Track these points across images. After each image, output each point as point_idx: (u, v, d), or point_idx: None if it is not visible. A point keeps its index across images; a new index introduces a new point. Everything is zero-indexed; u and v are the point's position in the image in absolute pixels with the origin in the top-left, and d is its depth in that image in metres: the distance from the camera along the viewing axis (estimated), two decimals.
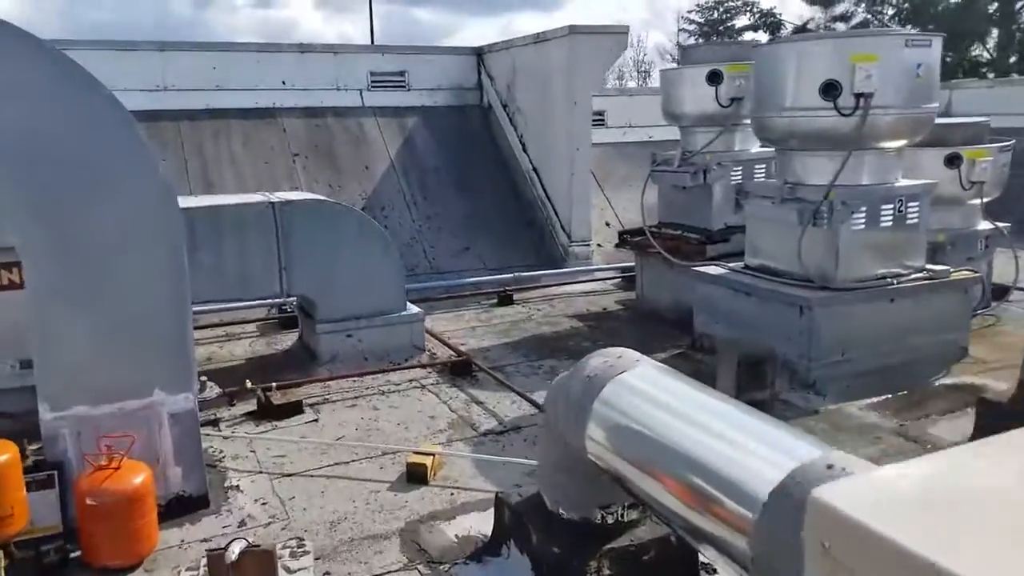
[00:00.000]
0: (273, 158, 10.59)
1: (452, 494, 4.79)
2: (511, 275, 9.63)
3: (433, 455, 5.00)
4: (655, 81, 32.19)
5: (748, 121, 8.17)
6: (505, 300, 9.35)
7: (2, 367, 5.23)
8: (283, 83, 11.10)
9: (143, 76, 10.12)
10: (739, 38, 33.31)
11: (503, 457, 5.11)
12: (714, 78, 7.89)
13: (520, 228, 10.96)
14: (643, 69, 42.89)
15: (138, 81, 9.99)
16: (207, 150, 10.30)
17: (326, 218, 6.81)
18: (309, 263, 6.76)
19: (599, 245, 11.02)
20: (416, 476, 4.91)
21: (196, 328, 8.02)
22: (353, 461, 5.28)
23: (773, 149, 8.25)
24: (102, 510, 3.95)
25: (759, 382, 5.47)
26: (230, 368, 7.20)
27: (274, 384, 6.20)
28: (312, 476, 5.09)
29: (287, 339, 8.04)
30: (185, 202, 6.58)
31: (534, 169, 11.11)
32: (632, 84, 40.89)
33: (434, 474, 4.96)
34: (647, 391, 3.23)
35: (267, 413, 6.01)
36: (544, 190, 10.93)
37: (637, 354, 3.57)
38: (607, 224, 11.55)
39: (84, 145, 4.09)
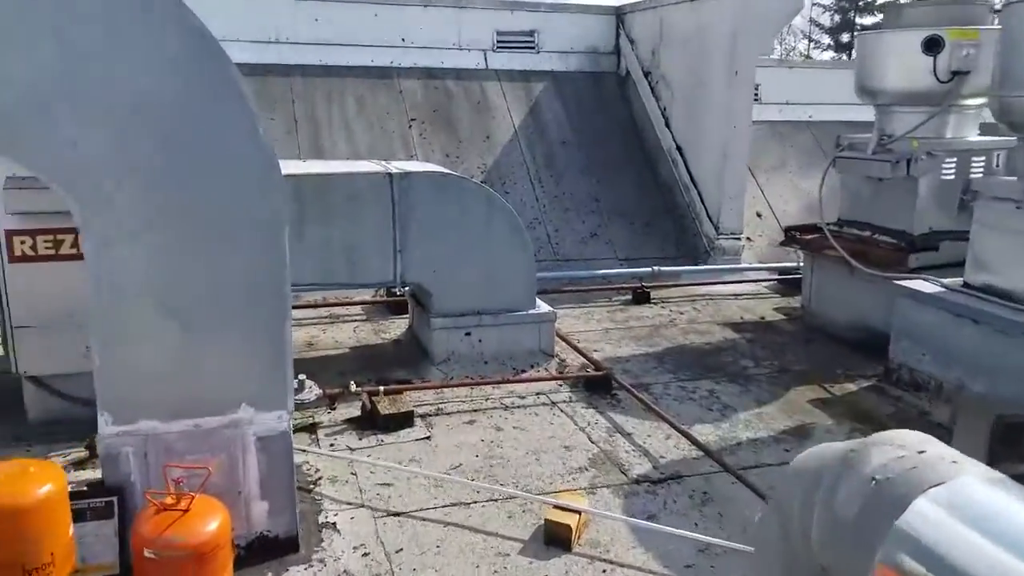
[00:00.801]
0: (388, 123, 9.69)
1: (604, 571, 3.69)
2: (648, 269, 8.39)
3: (579, 512, 3.91)
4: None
5: (969, 102, 6.66)
6: (641, 298, 8.14)
7: (71, 347, 4.47)
8: (402, 40, 10.16)
9: (256, 27, 9.37)
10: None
11: (671, 528, 3.96)
12: (932, 45, 6.34)
13: (657, 215, 9.67)
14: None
15: (250, 32, 9.25)
16: (319, 111, 9.50)
17: (450, 194, 5.78)
18: (428, 246, 5.76)
19: (749, 239, 9.61)
20: (557, 539, 3.83)
21: (297, 307, 7.28)
22: (474, 503, 4.26)
23: (998, 138, 6.72)
24: (164, 566, 3.06)
25: (1020, 452, 4.09)
26: (332, 358, 6.33)
27: (381, 389, 5.25)
28: (425, 519, 4.10)
29: (396, 326, 7.13)
30: (291, 168, 5.71)
31: (678, 148, 9.77)
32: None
33: (579, 537, 3.88)
34: (996, 527, 2.00)
35: (373, 422, 5.08)
36: (689, 172, 9.58)
37: (945, 448, 2.34)
38: (758, 215, 10.10)
39: (175, 97, 3.16)
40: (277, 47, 9.61)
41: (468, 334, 6.01)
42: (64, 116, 3.03)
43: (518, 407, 5.52)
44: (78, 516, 3.32)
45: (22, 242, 4.29)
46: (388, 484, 4.42)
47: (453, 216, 5.75)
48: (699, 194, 9.44)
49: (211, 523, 3.17)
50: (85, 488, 3.43)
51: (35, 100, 2.99)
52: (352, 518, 4.10)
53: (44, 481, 2.98)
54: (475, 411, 5.43)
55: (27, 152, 3.09)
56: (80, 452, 4.54)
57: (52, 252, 4.35)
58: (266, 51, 9.49)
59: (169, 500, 3.16)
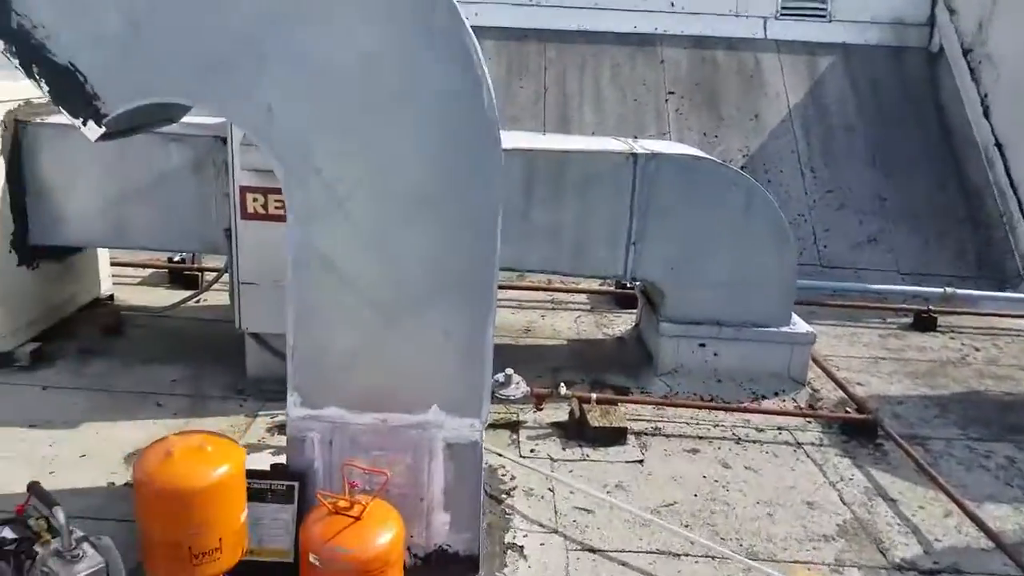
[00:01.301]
0: (643, 95, 9.03)
1: None
2: (939, 289, 6.98)
3: None
4: None
5: None
6: (925, 324, 6.78)
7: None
8: (671, 5, 9.39)
9: None
10: None
11: None
12: None
13: (956, 223, 8.07)
14: None
15: None
16: (570, 80, 9.10)
17: (702, 181, 5.04)
18: (667, 240, 5.09)
19: None
20: None
21: (520, 288, 6.99)
22: (686, 556, 3.61)
23: None
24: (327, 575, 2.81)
25: None
26: (547, 350, 5.93)
27: (594, 396, 4.73)
28: (624, 563, 3.55)
29: (621, 322, 6.57)
30: (528, 141, 5.31)
31: (997, 144, 8.04)
32: None
33: None
34: None
35: (580, 432, 4.59)
36: (1008, 175, 7.85)
37: None
38: None
39: (399, 57, 2.83)
40: (535, 10, 9.32)
41: (702, 345, 5.27)
42: (277, 72, 2.81)
43: (753, 442, 4.72)
44: (258, 496, 3.20)
45: (255, 199, 4.33)
46: (588, 511, 3.91)
47: (702, 207, 5.02)
48: (1019, 202, 7.68)
49: (383, 535, 2.86)
50: (269, 468, 3.31)
51: (251, 51, 2.79)
52: (542, 544, 3.65)
53: (220, 462, 2.84)
54: (699, 438, 4.72)
55: (236, 106, 2.92)
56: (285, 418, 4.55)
57: (281, 212, 4.34)
58: (524, 14, 9.23)
59: (343, 503, 2.90)
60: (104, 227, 5.08)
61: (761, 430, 4.85)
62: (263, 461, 4.14)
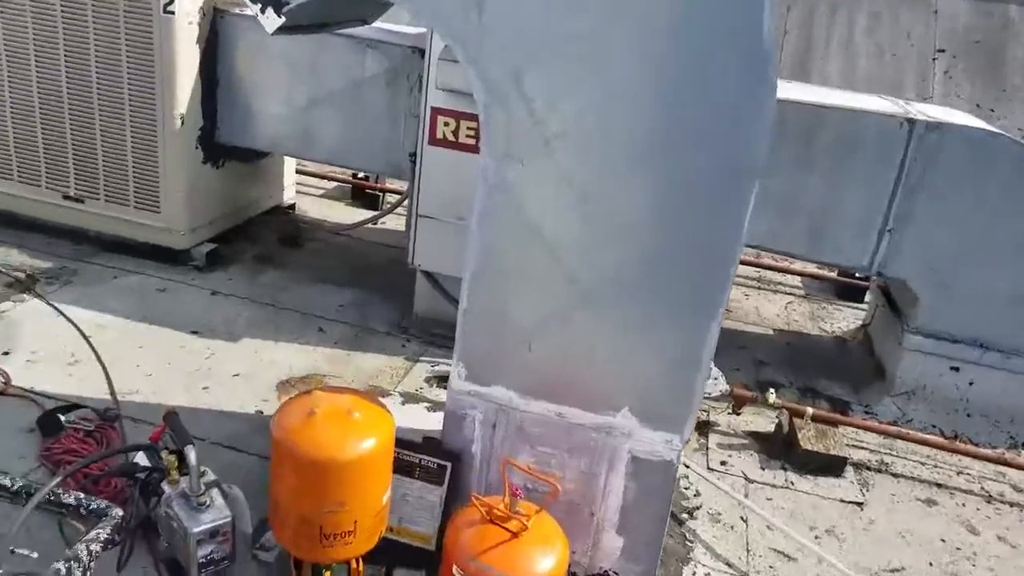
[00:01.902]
0: (905, 51, 7.65)
1: None
2: None
3: None
4: None
5: None
6: None
7: None
8: None
9: None
10: None
11: None
12: None
13: None
14: None
15: None
16: (817, 24, 7.86)
17: (1000, 166, 3.95)
18: (934, 231, 4.08)
19: None
20: None
21: None
22: None
23: None
24: None
25: None
26: (750, 338, 5.12)
27: (810, 411, 3.92)
28: None
29: (843, 317, 5.60)
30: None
31: None
32: None
33: None
34: None
35: (786, 451, 3.83)
36: None
37: None
38: None
39: None
40: None
41: (955, 369, 4.26)
42: None
43: (1010, 504, 3.74)
44: (406, 469, 2.78)
45: (445, 124, 3.83)
46: (789, 558, 3.19)
47: (993, 197, 3.95)
48: None
49: (544, 560, 2.32)
50: (423, 439, 2.86)
51: None
52: None
53: (367, 434, 2.39)
54: (938, 486, 3.81)
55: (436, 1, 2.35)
56: (449, 368, 4.13)
57: (473, 142, 3.83)
58: None
59: (499, 510, 2.38)
60: (291, 134, 4.82)
61: (1021, 490, 3.85)
62: (416, 416, 3.77)
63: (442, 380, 4.10)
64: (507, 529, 2.35)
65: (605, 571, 2.82)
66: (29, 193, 4.87)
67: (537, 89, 2.28)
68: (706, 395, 4.03)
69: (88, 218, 4.84)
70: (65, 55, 4.48)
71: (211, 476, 2.70)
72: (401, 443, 2.76)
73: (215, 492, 2.66)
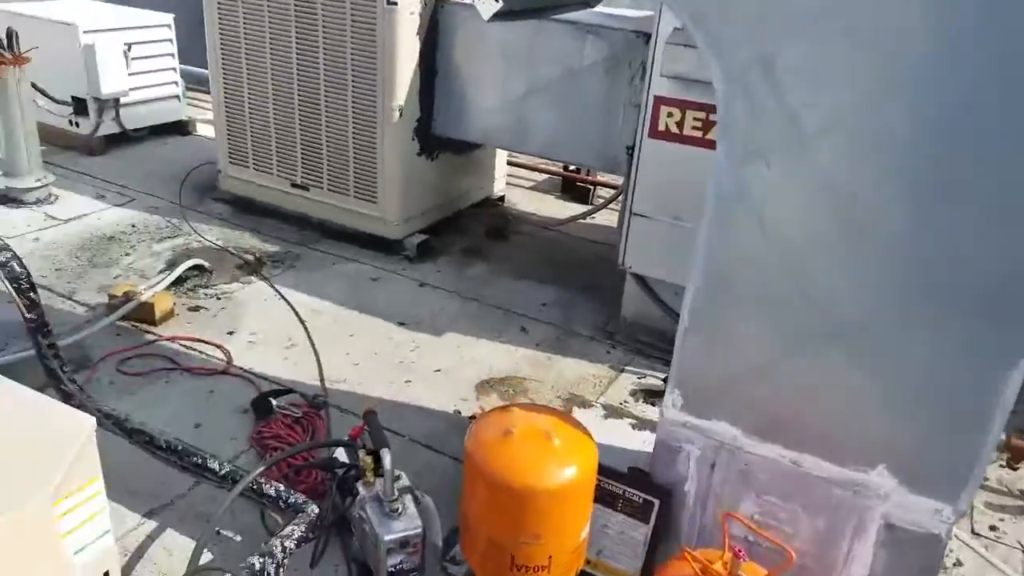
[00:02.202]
0: None
1: None
2: None
3: None
4: None
5: None
6: None
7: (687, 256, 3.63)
8: None
9: None
10: None
11: None
12: None
13: None
14: None
15: None
16: None
17: None
18: None
19: None
20: None
21: None
22: None
23: None
24: None
25: None
26: None
27: None
28: None
29: None
30: None
31: None
32: None
33: None
34: None
35: None
36: None
37: None
38: None
39: None
40: None
41: None
42: None
43: None
44: (608, 500, 2.53)
45: (669, 114, 3.49)
46: None
47: None
48: None
49: None
50: (625, 471, 2.60)
51: None
52: None
53: (567, 461, 2.17)
54: None
55: None
56: (657, 382, 3.83)
57: (699, 135, 3.47)
58: None
59: (717, 571, 2.06)
60: (505, 126, 4.72)
61: None
62: (619, 433, 3.51)
63: (649, 394, 3.80)
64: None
65: None
66: (263, 180, 5.19)
67: (793, 77, 1.91)
68: None
69: (312, 205, 5.06)
70: (296, 49, 4.69)
71: (405, 481, 2.62)
72: (604, 471, 2.52)
73: (408, 499, 2.57)
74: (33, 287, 2.56)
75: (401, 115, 4.64)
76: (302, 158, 4.98)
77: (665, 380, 3.71)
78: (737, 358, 2.23)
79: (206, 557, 2.58)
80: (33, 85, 5.29)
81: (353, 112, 4.68)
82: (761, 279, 2.11)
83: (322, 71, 4.67)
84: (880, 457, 2.11)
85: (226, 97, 5.11)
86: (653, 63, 3.57)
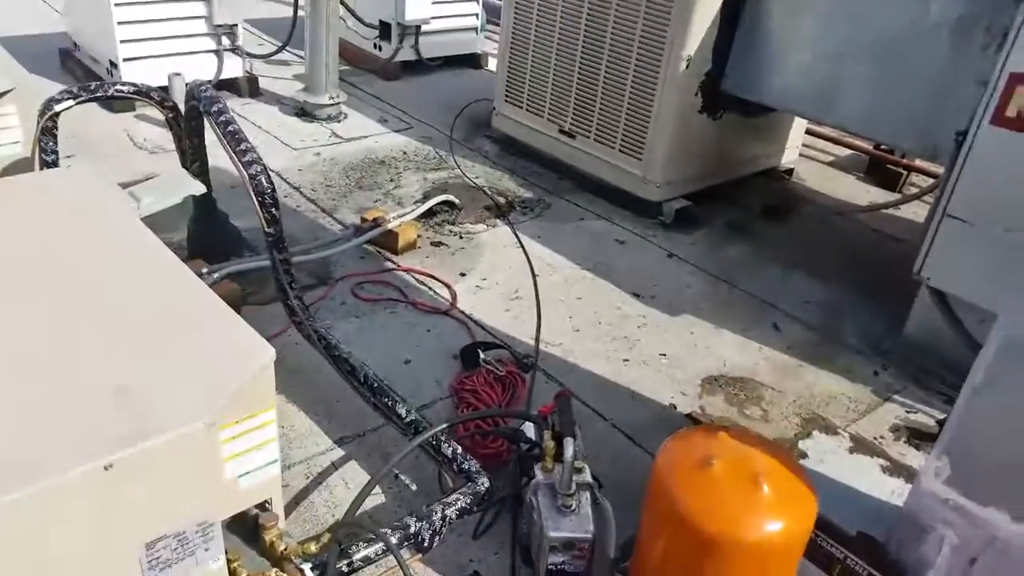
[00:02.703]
0: None
1: None
2: None
3: None
4: None
5: None
6: None
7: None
8: None
9: None
10: None
11: None
12: None
13: None
14: None
15: None
16: None
17: None
18: None
19: None
20: None
21: None
22: None
23: None
24: None
25: None
26: None
27: None
28: None
29: None
30: None
31: None
32: None
33: None
34: None
35: None
36: None
37: None
38: None
39: None
40: None
41: None
42: None
43: None
44: (822, 562, 2.09)
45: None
46: None
47: None
48: None
49: None
50: (856, 533, 2.10)
51: None
52: None
53: (776, 513, 1.77)
54: None
55: None
56: (930, 422, 3.16)
57: None
58: None
59: None
60: (807, 91, 4.10)
61: None
62: (862, 472, 2.94)
63: (916, 435, 3.15)
64: None
65: None
66: (533, 123, 5.11)
67: None
68: None
69: (575, 154, 4.88)
70: None
71: (587, 477, 2.39)
72: (825, 526, 2.08)
73: (585, 497, 2.34)
74: (276, 203, 2.66)
75: (688, 66, 4.24)
76: (575, 104, 4.80)
77: (940, 423, 3.07)
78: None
79: (378, 499, 2.57)
80: (343, 3, 5.66)
81: (637, 58, 4.37)
82: None
83: (612, 15, 4.41)
84: None
85: (513, 35, 5.06)
86: (1022, 29, 2.80)
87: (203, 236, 3.59)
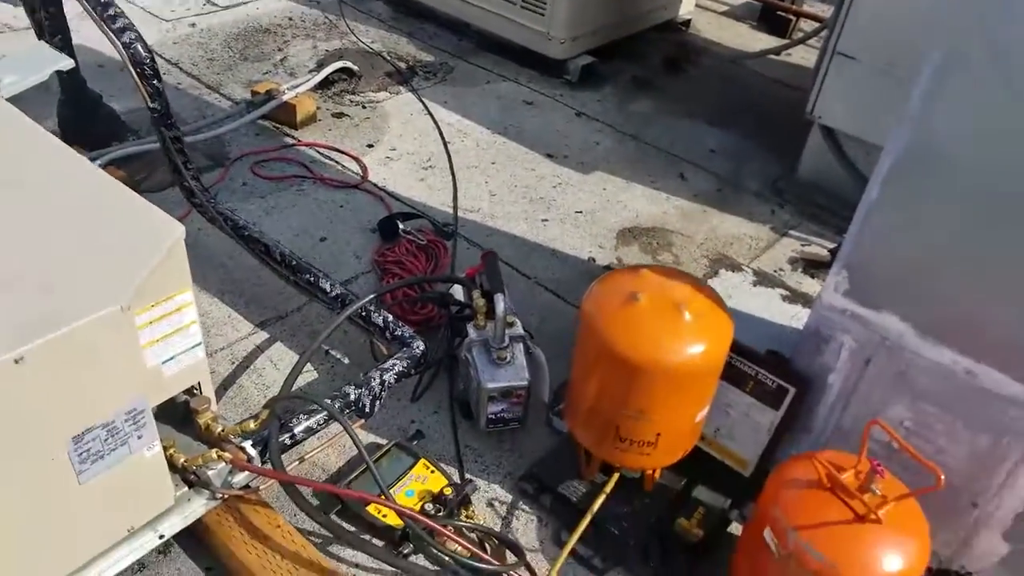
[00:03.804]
0: None
1: None
2: None
3: None
4: None
5: None
6: None
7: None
8: None
9: None
10: None
11: None
12: None
13: None
14: None
15: None
16: None
17: None
18: None
19: None
20: None
21: None
22: None
23: None
24: (779, 569, 1.82)
25: None
26: None
27: None
28: None
29: None
30: None
31: None
32: None
33: None
34: None
35: None
36: None
37: None
38: None
39: None
40: None
41: None
42: None
43: None
44: (736, 379, 2.25)
45: None
46: None
47: None
48: None
49: (891, 559, 1.72)
50: (766, 352, 2.27)
51: None
52: None
53: (695, 339, 1.89)
54: None
55: None
56: (823, 252, 3.38)
57: None
58: None
59: (848, 480, 1.78)
60: None
61: None
62: (765, 303, 3.14)
63: (811, 265, 3.37)
64: (851, 508, 1.76)
65: (965, 572, 2.10)
66: None
67: None
68: None
69: (475, 12, 4.69)
70: None
71: (519, 329, 2.47)
72: (739, 348, 2.23)
73: (518, 349, 2.44)
74: (157, 74, 2.48)
75: None
76: None
77: (832, 252, 3.28)
78: (926, 245, 1.82)
79: (310, 376, 2.59)
80: None
81: None
82: (986, 152, 1.63)
83: None
84: None
85: None
86: None
87: (76, 120, 3.33)
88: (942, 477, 1.70)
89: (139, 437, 1.75)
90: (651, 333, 1.91)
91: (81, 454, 1.65)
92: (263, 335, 2.73)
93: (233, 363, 2.62)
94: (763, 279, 3.23)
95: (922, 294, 1.89)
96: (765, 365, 2.24)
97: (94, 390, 1.63)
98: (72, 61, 2.77)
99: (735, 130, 4.23)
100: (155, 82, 2.49)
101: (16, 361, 1.45)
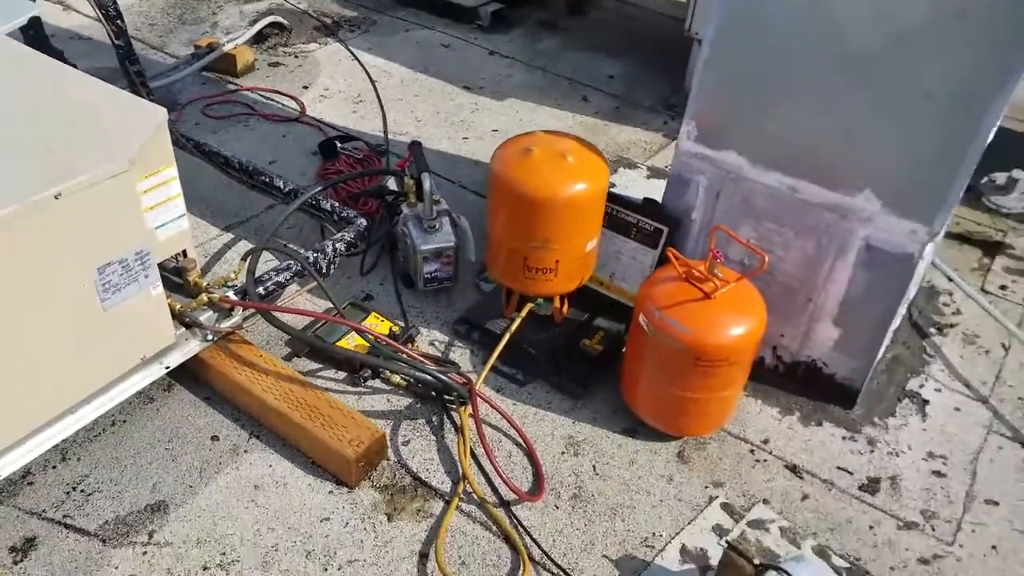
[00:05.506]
0: None
1: None
2: None
3: None
4: None
5: None
6: None
7: None
8: None
9: None
10: None
11: None
12: None
13: None
14: None
15: None
16: None
17: None
18: None
19: None
20: None
21: None
22: None
23: None
24: (653, 348, 2.39)
25: None
26: None
27: None
28: None
29: None
30: None
31: None
32: None
33: None
34: None
35: None
36: None
37: None
38: None
39: None
40: None
41: None
42: None
43: None
44: (623, 229, 2.83)
45: None
46: None
47: None
48: None
49: (731, 327, 2.31)
50: (643, 200, 2.85)
51: None
52: (957, 410, 2.73)
53: (578, 179, 2.45)
54: None
55: None
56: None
57: None
58: None
59: (698, 272, 2.36)
60: None
61: None
62: (658, 191, 3.71)
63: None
64: (700, 289, 2.34)
65: (810, 360, 2.71)
66: None
67: None
68: (1008, 211, 3.48)
69: None
70: None
71: (444, 205, 2.99)
72: (621, 201, 2.81)
73: (445, 220, 2.96)
74: (120, 15, 2.93)
75: None
76: None
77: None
78: (752, 91, 2.40)
79: (272, 262, 3.07)
80: None
81: None
82: (789, 10, 2.21)
83: None
84: (867, 182, 2.29)
85: None
86: None
87: None
88: (766, 258, 2.29)
89: (146, 276, 2.23)
90: (545, 175, 2.46)
91: (104, 284, 2.12)
92: (229, 235, 3.21)
93: (206, 256, 3.09)
94: (656, 173, 3.82)
95: (752, 132, 2.47)
96: (643, 212, 2.81)
97: (111, 231, 2.11)
98: (35, 4, 3.18)
99: (632, 59, 4.81)
100: (119, 22, 2.94)
101: (56, 196, 1.92)
